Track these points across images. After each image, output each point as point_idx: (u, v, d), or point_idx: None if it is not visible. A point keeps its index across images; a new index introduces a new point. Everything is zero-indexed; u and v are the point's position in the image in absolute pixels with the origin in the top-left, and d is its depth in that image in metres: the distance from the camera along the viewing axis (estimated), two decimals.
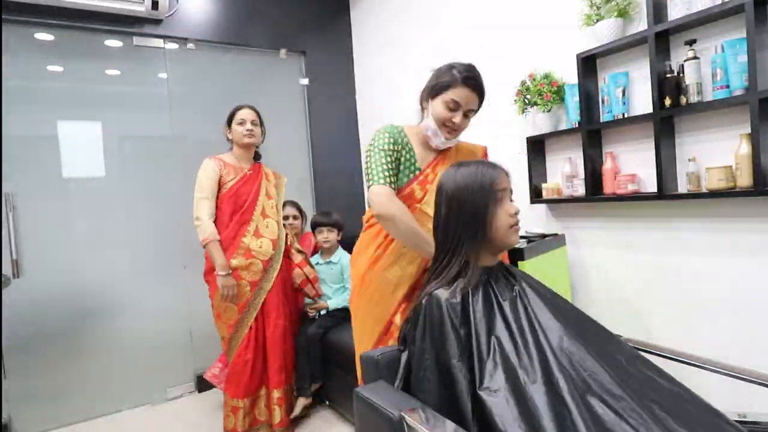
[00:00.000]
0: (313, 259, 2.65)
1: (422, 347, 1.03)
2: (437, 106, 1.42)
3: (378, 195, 1.36)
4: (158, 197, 2.92)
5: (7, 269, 2.44)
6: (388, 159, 1.42)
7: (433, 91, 1.44)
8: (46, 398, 2.57)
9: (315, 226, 2.74)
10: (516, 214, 1.10)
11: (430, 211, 1.45)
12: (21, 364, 2.51)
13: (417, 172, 1.50)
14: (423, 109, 1.50)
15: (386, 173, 1.40)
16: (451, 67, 1.43)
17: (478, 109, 1.47)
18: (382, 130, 1.47)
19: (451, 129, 1.44)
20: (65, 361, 2.62)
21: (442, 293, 1.04)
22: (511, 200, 1.13)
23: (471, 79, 1.39)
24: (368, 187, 1.41)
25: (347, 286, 2.46)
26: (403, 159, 1.47)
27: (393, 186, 1.41)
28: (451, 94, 1.39)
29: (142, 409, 2.78)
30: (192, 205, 2.16)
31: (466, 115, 1.44)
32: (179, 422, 2.60)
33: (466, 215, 1.08)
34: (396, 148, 1.44)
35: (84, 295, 2.69)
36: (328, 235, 2.67)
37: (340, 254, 2.67)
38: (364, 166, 1.53)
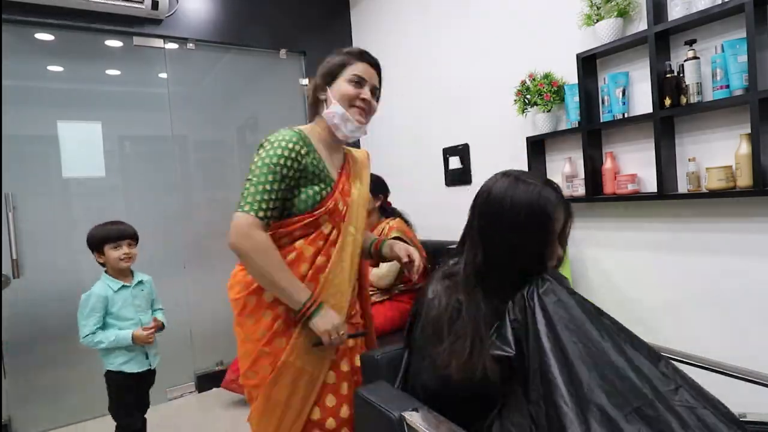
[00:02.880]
0: (114, 285, 1.89)
1: (421, 347, 1.03)
2: (341, 87, 1.25)
3: (238, 228, 1.13)
4: (158, 197, 2.92)
5: (7, 269, 2.44)
6: (276, 181, 1.15)
7: (329, 76, 1.27)
8: (46, 398, 2.57)
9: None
10: (559, 256, 1.00)
11: (353, 230, 1.30)
12: (21, 364, 2.51)
13: (332, 184, 1.27)
14: (321, 101, 1.30)
15: (264, 201, 1.14)
16: (338, 51, 1.30)
17: (380, 90, 1.33)
18: (279, 138, 1.19)
19: (362, 109, 1.27)
20: (65, 361, 2.62)
21: (447, 294, 1.02)
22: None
23: (365, 53, 1.28)
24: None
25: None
26: (310, 168, 1.22)
27: (265, 220, 1.15)
28: (352, 70, 1.25)
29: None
30: None
31: (373, 93, 1.29)
32: (179, 422, 2.59)
33: (525, 257, 0.98)
34: (293, 163, 1.18)
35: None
36: (129, 251, 1.91)
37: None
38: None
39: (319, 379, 1.24)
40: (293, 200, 1.21)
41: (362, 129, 1.30)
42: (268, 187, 1.14)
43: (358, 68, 1.26)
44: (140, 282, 1.98)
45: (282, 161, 1.16)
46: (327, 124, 1.28)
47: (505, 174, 1.02)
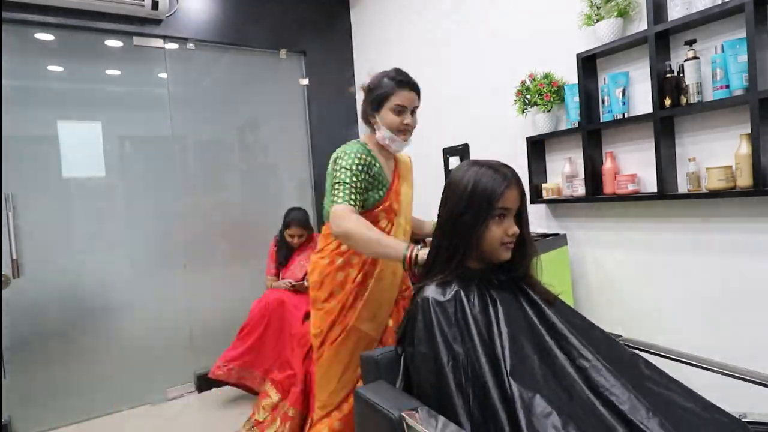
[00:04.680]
0: None
1: (419, 350, 1.03)
2: (386, 116, 1.52)
3: (337, 214, 1.39)
4: (158, 197, 2.92)
5: (7, 269, 2.44)
6: (357, 179, 1.46)
7: (375, 104, 1.53)
8: (46, 398, 2.57)
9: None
10: (512, 235, 1.08)
11: (403, 221, 1.62)
12: (21, 364, 2.51)
13: (389, 185, 1.59)
14: (372, 124, 1.58)
15: (353, 194, 1.44)
16: (382, 76, 1.54)
17: (419, 105, 1.58)
18: (352, 150, 1.50)
19: (405, 130, 1.55)
20: (65, 361, 2.62)
21: (435, 294, 1.05)
22: (522, 216, 1.11)
23: (405, 82, 1.51)
24: (330, 208, 1.44)
25: None
26: (377, 176, 1.55)
27: (356, 206, 1.44)
28: (394, 100, 1.50)
29: (142, 409, 2.78)
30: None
31: (413, 113, 1.56)
32: (179, 422, 2.60)
33: (464, 224, 1.07)
34: (366, 168, 1.50)
35: (84, 295, 2.69)
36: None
37: None
38: (329, 186, 1.54)
39: (376, 341, 1.59)
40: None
41: (407, 143, 1.59)
42: (353, 184, 1.44)
43: (399, 97, 1.50)
44: None
45: (358, 167, 1.47)
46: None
47: (467, 162, 1.13)
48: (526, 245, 1.12)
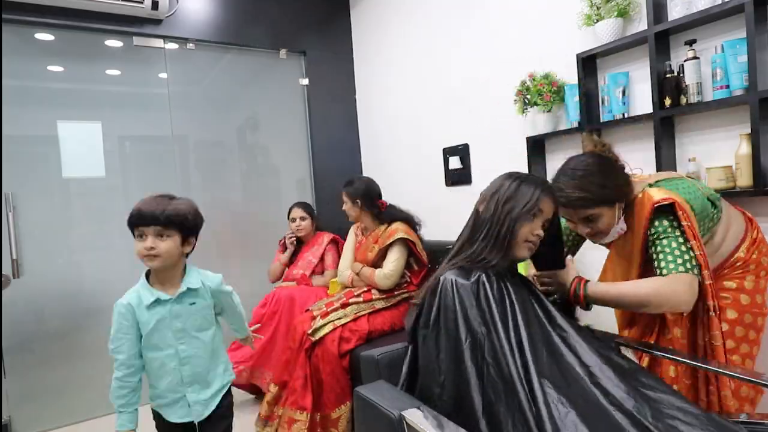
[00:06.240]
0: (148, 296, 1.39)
1: (436, 328, 1.05)
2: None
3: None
4: None
5: (7, 269, 2.44)
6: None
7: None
8: (46, 398, 2.57)
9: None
10: (537, 235, 1.15)
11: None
12: (21, 364, 2.51)
13: None
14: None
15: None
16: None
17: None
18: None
19: None
20: (65, 361, 2.62)
21: (458, 276, 1.08)
22: (548, 224, 1.18)
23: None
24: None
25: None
26: None
27: None
28: None
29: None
30: None
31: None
32: None
33: (506, 214, 1.12)
34: None
35: (84, 295, 2.69)
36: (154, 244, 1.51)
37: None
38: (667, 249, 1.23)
39: None
40: None
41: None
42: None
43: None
44: (189, 291, 1.33)
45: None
46: None
47: (511, 174, 1.20)
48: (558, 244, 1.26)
